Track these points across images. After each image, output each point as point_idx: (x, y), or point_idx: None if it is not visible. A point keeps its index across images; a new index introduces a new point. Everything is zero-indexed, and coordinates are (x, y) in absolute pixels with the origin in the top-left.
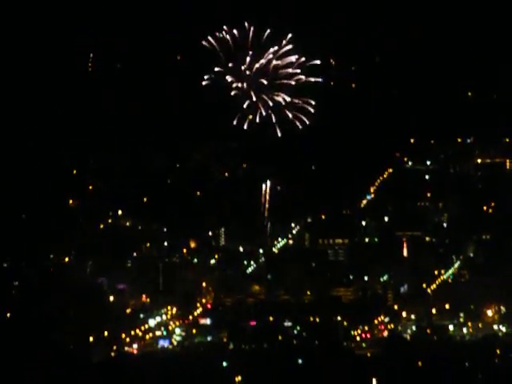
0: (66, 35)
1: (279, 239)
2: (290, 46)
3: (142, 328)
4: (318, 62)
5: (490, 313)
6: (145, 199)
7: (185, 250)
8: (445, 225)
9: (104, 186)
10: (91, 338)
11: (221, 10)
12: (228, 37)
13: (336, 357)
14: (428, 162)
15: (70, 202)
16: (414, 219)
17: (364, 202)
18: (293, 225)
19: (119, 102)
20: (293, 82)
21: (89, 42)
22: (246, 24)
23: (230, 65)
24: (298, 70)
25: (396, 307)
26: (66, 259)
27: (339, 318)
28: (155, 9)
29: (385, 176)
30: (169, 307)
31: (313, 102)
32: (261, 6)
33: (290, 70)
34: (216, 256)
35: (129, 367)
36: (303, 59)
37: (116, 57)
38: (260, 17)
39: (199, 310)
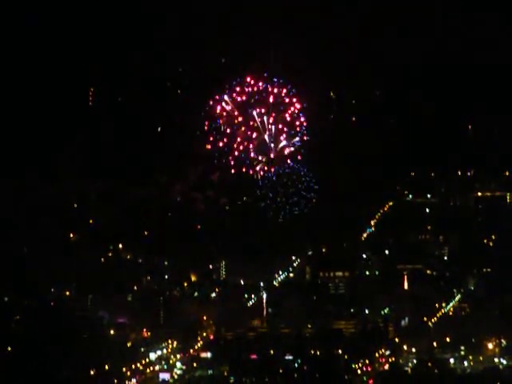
0: (67, 68)
1: (280, 272)
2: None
3: (143, 362)
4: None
5: (490, 346)
6: (145, 232)
7: (185, 284)
8: (445, 258)
9: (104, 219)
10: (92, 372)
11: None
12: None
13: None
14: (428, 195)
15: (71, 235)
16: (415, 252)
17: (365, 234)
18: (293, 258)
19: (119, 133)
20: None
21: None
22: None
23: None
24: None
25: (397, 340)
26: (67, 293)
27: (340, 351)
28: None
29: (385, 209)
30: (169, 341)
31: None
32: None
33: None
34: (217, 289)
35: None
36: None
37: (118, 91)
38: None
39: (200, 344)
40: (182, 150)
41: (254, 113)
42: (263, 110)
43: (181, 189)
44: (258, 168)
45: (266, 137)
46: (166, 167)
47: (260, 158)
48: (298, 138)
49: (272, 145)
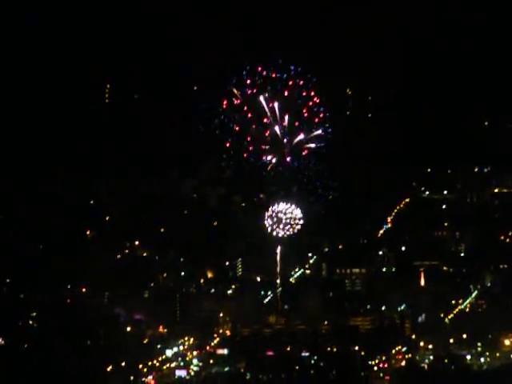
0: (82, 65)
1: (296, 269)
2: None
3: (159, 358)
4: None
5: (507, 342)
6: (162, 229)
7: (202, 280)
8: (462, 254)
9: (120, 215)
10: (108, 369)
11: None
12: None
13: None
14: (445, 192)
15: (87, 232)
16: (431, 248)
17: (381, 231)
18: (310, 254)
19: (134, 129)
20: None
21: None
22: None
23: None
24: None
25: (413, 337)
26: (83, 290)
27: (356, 348)
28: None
29: (402, 205)
30: (186, 337)
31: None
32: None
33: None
34: (233, 286)
35: None
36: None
37: (133, 87)
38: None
39: (216, 341)
40: (193, 146)
41: (265, 105)
42: (276, 104)
43: (193, 184)
44: (270, 164)
45: (278, 130)
46: (179, 163)
47: (271, 155)
48: (319, 131)
49: (285, 139)
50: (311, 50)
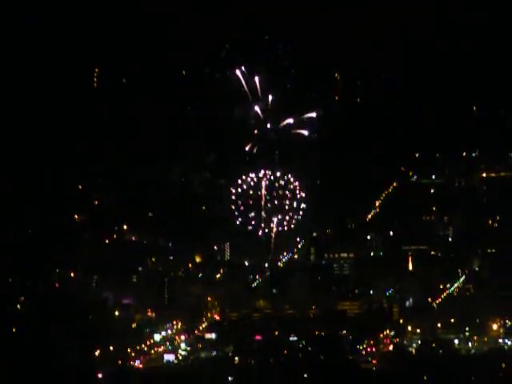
0: (72, 50)
1: (284, 253)
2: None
3: (148, 343)
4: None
5: (495, 326)
6: (150, 214)
7: (190, 265)
8: (450, 239)
9: (109, 200)
10: (97, 353)
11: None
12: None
13: (341, 371)
14: (433, 176)
15: (76, 216)
16: (419, 233)
17: (369, 215)
18: (298, 239)
19: (121, 115)
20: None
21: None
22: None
23: None
24: None
25: (401, 321)
26: (72, 274)
27: (345, 332)
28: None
29: (390, 190)
30: (174, 322)
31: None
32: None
33: None
34: (221, 270)
35: (134, 382)
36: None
37: (121, 72)
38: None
39: (204, 325)
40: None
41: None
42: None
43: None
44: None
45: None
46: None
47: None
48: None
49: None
50: (311, 49)
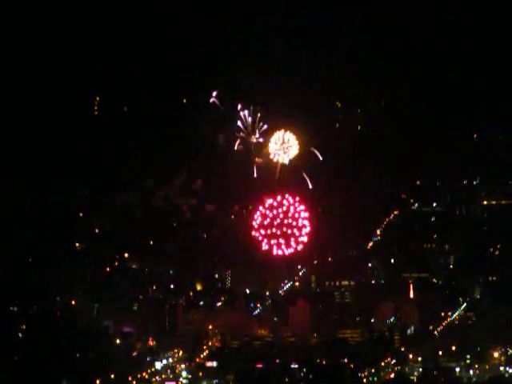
0: (72, 78)
1: (285, 281)
2: None
3: (149, 371)
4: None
5: (496, 354)
6: (151, 242)
7: (191, 293)
8: (451, 266)
9: (110, 228)
10: (97, 381)
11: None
12: None
13: None
14: (434, 204)
15: (77, 244)
16: (420, 261)
17: (370, 243)
18: (299, 267)
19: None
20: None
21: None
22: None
23: None
24: None
25: (403, 349)
26: (72, 302)
27: (346, 360)
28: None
29: (391, 217)
30: (175, 350)
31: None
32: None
33: None
34: (222, 298)
35: None
36: None
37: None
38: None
39: (205, 353)
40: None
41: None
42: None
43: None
44: None
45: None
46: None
47: None
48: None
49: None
50: (311, 50)
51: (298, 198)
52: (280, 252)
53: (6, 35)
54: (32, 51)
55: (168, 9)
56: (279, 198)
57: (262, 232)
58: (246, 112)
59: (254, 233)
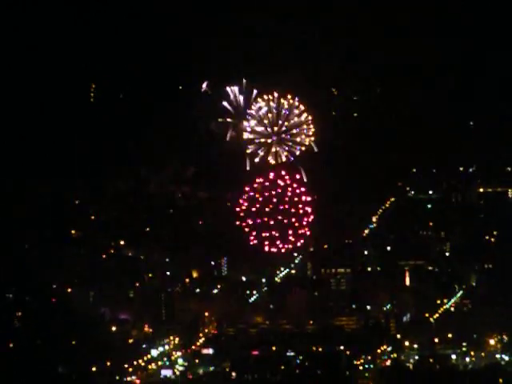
0: (69, 65)
1: (282, 269)
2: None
3: (145, 358)
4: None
5: (492, 342)
6: (147, 229)
7: (187, 280)
8: (447, 254)
9: (106, 216)
10: (94, 369)
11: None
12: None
13: None
14: (430, 192)
15: (73, 232)
16: (417, 248)
17: (366, 231)
18: (295, 254)
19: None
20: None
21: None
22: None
23: None
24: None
25: (399, 336)
26: (69, 289)
27: (342, 348)
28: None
29: (387, 205)
30: (171, 337)
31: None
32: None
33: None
34: (218, 286)
35: None
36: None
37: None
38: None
39: (201, 340)
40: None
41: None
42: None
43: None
44: None
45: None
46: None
47: None
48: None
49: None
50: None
51: (298, 176)
52: (274, 249)
53: (7, 35)
54: (32, 52)
55: (168, 9)
56: (272, 175)
57: (250, 222)
58: (237, 89)
59: (238, 222)
